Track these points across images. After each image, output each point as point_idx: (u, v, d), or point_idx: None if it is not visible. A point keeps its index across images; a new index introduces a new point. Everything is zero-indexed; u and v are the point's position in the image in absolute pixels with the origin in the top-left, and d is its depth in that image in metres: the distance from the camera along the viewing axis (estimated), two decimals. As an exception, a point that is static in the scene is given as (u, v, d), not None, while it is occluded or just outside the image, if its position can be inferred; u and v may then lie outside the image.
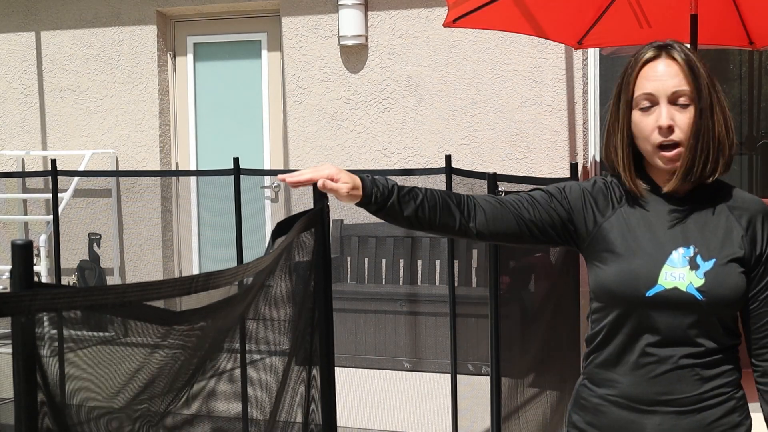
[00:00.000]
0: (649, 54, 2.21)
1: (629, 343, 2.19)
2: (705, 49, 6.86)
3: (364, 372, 6.76)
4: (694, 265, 2.15)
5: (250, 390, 1.99)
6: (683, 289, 2.12)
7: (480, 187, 5.33)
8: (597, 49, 7.00)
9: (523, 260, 4.33)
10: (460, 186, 5.57)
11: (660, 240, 2.19)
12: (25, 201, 8.36)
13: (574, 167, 4.48)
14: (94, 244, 8.04)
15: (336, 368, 2.06)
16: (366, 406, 5.99)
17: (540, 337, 4.30)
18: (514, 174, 5.67)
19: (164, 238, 8.05)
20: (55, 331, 1.34)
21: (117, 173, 7.89)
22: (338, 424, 2.15)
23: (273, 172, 7.26)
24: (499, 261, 3.66)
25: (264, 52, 7.89)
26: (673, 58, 2.18)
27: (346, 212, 7.29)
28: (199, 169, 8.05)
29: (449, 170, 5.31)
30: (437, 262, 7.00)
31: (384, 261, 7.11)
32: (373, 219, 8.36)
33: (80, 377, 1.46)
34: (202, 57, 8.08)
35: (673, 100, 2.16)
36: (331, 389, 2.04)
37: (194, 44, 8.07)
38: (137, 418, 1.60)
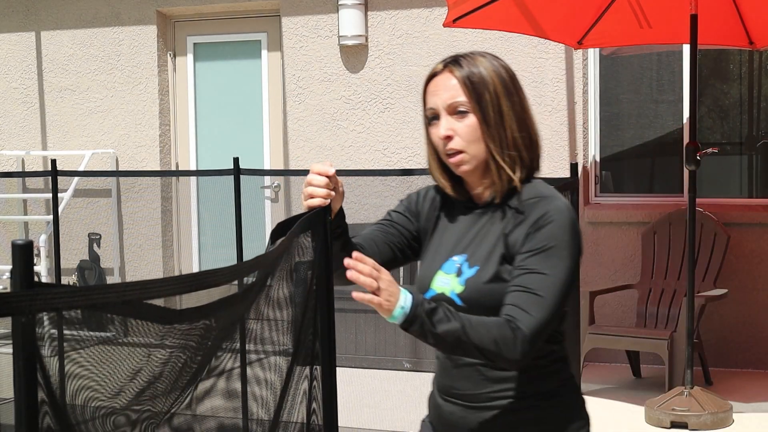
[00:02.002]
0: (436, 68, 2.30)
1: None
2: (705, 49, 6.87)
3: (364, 372, 6.76)
4: (459, 272, 2.22)
5: (251, 390, 1.99)
6: (447, 294, 2.20)
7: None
8: (597, 49, 7.01)
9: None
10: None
11: (444, 247, 2.29)
12: (25, 201, 8.37)
13: (574, 167, 4.49)
14: (94, 244, 8.04)
15: (336, 368, 2.06)
16: (366, 406, 5.99)
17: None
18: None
19: (164, 238, 8.05)
20: (55, 331, 1.34)
21: (117, 173, 7.89)
22: (338, 424, 2.15)
23: (273, 172, 7.27)
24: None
25: (264, 52, 7.89)
26: (452, 72, 2.25)
27: (346, 212, 7.28)
28: (199, 169, 8.05)
29: (449, 170, 5.31)
30: (437, 262, 7.00)
31: (384, 261, 7.11)
32: (373, 219, 8.35)
33: (81, 376, 1.46)
34: (202, 57, 8.08)
35: (451, 111, 2.23)
36: (333, 389, 2.04)
37: (194, 44, 8.07)
38: (139, 418, 1.60)
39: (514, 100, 2.24)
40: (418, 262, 2.38)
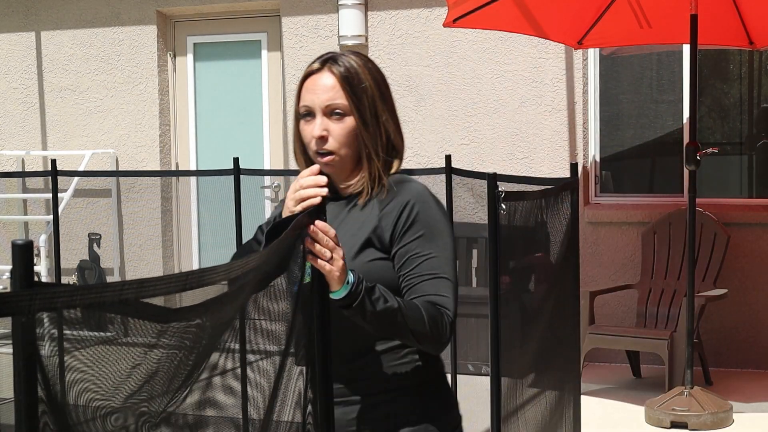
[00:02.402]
0: (314, 66, 2.30)
1: None
2: (705, 49, 6.86)
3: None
4: None
5: (248, 389, 1.99)
6: None
7: (480, 187, 5.32)
8: (597, 49, 7.01)
9: (524, 260, 4.33)
10: (460, 186, 5.57)
11: None
12: (25, 201, 8.37)
13: (574, 167, 4.48)
14: (94, 244, 8.04)
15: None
16: (366, 406, 5.97)
17: (540, 336, 4.30)
18: (514, 174, 5.68)
19: (164, 238, 8.05)
20: (55, 331, 1.34)
21: (117, 173, 7.89)
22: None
23: (273, 172, 7.27)
24: (499, 261, 3.66)
25: (264, 52, 7.89)
26: (332, 72, 2.26)
27: (346, 212, 7.29)
28: (199, 169, 8.05)
29: (449, 170, 5.32)
30: (437, 262, 6.98)
31: (384, 261, 7.10)
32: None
33: (81, 373, 1.46)
34: (202, 57, 8.08)
35: (327, 111, 2.25)
36: (329, 389, 2.04)
37: (194, 44, 8.07)
38: (138, 418, 1.60)
39: (388, 102, 2.31)
40: None
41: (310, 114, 2.27)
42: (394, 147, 2.32)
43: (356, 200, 2.31)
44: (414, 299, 2.17)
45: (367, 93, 2.26)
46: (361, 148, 2.27)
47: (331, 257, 2.01)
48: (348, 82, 2.25)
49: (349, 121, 2.25)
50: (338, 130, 2.25)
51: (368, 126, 2.26)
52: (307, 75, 2.30)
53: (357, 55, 2.31)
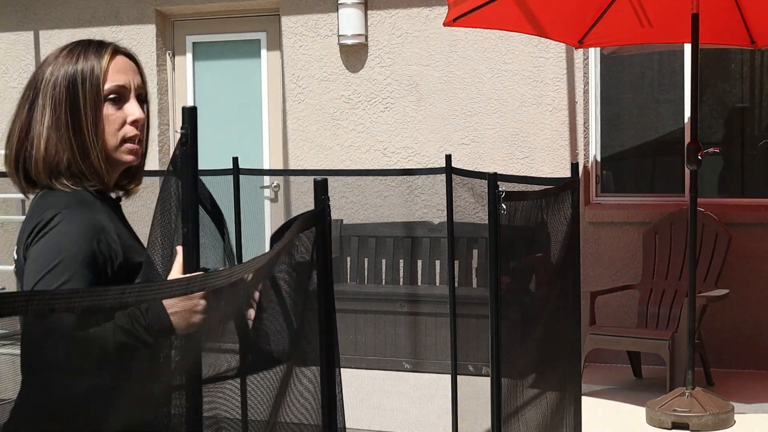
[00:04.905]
0: (112, 47, 2.11)
1: None
2: (706, 48, 6.85)
3: (364, 373, 6.74)
4: None
5: (251, 390, 1.98)
6: None
7: (480, 187, 5.31)
8: (598, 49, 6.99)
9: (524, 260, 4.31)
10: (461, 186, 5.56)
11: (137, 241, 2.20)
12: (23, 201, 8.35)
13: (574, 167, 4.47)
14: (93, 244, 8.01)
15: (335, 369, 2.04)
16: (366, 407, 5.97)
17: (540, 337, 4.28)
18: (515, 174, 5.66)
19: (163, 238, 8.02)
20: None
21: (116, 173, 7.87)
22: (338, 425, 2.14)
23: (273, 172, 7.25)
24: (500, 261, 3.64)
25: (263, 52, 7.87)
26: (130, 56, 2.13)
27: (345, 212, 7.28)
28: (198, 168, 8.01)
29: (449, 170, 5.30)
30: (437, 263, 6.98)
31: (384, 261, 7.10)
32: (373, 219, 8.25)
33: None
34: (201, 56, 8.06)
35: (138, 97, 2.12)
36: (332, 390, 2.02)
37: (193, 43, 8.05)
38: (139, 417, 1.58)
39: None
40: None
41: (120, 97, 2.09)
42: None
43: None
44: None
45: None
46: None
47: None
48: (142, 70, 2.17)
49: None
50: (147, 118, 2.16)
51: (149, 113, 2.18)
52: (114, 52, 2.10)
53: None
